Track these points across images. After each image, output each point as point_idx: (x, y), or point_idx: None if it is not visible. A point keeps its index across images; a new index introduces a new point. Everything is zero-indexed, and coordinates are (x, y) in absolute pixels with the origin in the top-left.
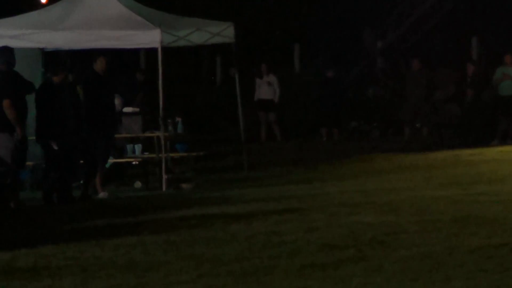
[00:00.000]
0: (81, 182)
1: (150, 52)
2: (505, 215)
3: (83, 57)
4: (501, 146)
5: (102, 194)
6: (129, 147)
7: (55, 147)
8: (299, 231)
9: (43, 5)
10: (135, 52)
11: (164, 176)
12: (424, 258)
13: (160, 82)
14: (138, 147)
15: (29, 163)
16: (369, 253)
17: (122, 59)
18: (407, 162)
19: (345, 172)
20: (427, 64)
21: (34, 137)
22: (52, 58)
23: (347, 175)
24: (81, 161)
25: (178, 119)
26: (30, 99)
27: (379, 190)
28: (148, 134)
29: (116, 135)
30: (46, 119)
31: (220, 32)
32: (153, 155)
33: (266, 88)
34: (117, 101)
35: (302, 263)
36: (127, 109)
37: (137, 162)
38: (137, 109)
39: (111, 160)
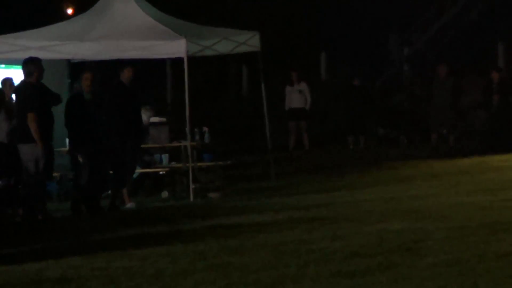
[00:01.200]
0: (109, 192)
1: (176, 62)
2: None
3: (109, 67)
4: None
5: (129, 205)
6: (156, 157)
7: (80, 159)
8: (327, 239)
9: (69, 16)
10: (161, 62)
11: (192, 186)
12: (452, 265)
13: (186, 92)
14: (165, 157)
15: (56, 174)
16: (397, 260)
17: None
18: (435, 169)
19: (372, 179)
20: (454, 71)
21: (60, 149)
22: (79, 69)
23: (374, 182)
24: (109, 172)
25: (205, 129)
26: (57, 110)
27: (406, 197)
28: (175, 143)
29: (143, 145)
30: (78, 131)
31: (245, 41)
32: (180, 165)
33: (297, 97)
34: (143, 112)
35: (330, 271)
36: (154, 119)
37: (164, 172)
38: (164, 119)
39: (138, 170)
